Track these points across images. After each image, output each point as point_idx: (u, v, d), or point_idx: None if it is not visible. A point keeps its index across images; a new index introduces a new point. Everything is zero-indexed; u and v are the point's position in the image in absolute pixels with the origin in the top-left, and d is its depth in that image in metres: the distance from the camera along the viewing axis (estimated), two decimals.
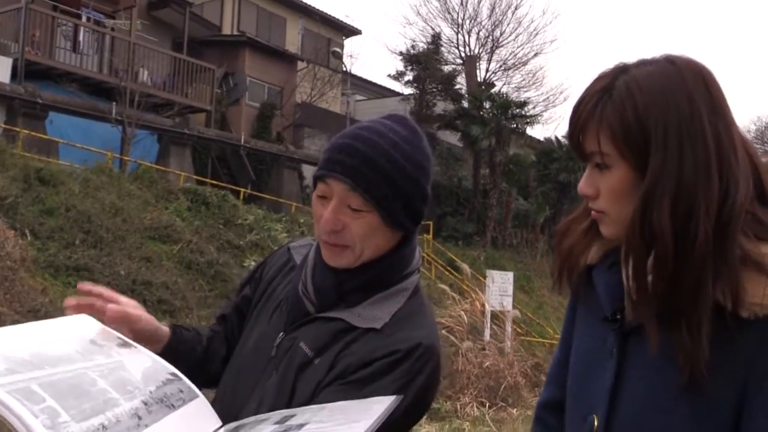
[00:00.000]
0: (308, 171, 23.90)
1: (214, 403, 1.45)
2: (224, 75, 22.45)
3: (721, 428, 1.25)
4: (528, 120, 25.39)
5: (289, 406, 1.40)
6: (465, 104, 25.39)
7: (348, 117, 24.14)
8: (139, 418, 1.13)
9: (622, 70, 1.29)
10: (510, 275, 14.52)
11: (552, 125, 77.08)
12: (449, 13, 28.52)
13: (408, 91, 25.95)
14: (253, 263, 13.53)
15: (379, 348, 1.39)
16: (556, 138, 27.01)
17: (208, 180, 18.86)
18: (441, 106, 25.59)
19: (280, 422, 1.19)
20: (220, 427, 1.30)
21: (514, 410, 9.40)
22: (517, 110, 24.69)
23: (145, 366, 1.30)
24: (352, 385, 1.37)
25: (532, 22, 36.64)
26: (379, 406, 1.18)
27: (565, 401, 1.54)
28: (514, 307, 14.47)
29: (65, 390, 1.08)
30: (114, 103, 17.59)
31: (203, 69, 20.87)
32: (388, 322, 1.43)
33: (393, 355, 1.38)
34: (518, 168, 26.05)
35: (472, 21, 28.68)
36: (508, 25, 28.98)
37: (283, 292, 1.57)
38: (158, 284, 11.20)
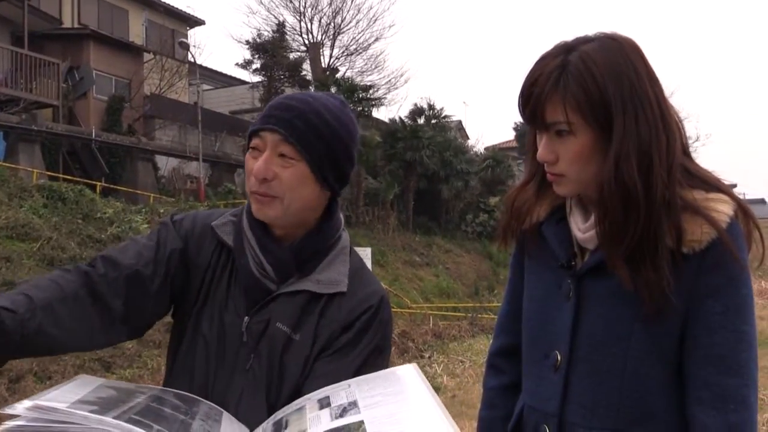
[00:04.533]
0: (162, 161, 23.46)
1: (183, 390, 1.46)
2: (69, 69, 21.62)
3: (671, 347, 1.41)
4: (373, 102, 25.60)
5: (280, 386, 1.43)
6: (312, 90, 25.45)
7: (198, 107, 24.00)
8: (208, 431, 1.24)
9: (568, 48, 1.39)
10: (368, 251, 14.97)
11: (395, 106, 77.81)
12: (291, 1, 28.59)
13: (256, 79, 25.98)
14: None
15: (353, 309, 1.46)
16: (400, 118, 27.42)
17: (60, 175, 18.29)
18: (289, 93, 25.76)
19: (325, 406, 1.21)
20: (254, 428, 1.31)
21: None
22: (363, 94, 24.92)
23: (172, 393, 1.37)
24: (341, 351, 1.43)
25: (371, 8, 37.54)
26: (408, 372, 1.27)
27: (516, 347, 1.66)
28: None
29: (152, 418, 1.16)
30: None
31: (47, 63, 20.00)
32: (347, 282, 1.49)
33: (368, 312, 1.46)
34: (366, 149, 25.64)
35: (314, 9, 28.92)
36: (348, 11, 29.47)
37: (225, 276, 1.53)
38: (21, 283, 10.57)
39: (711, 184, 1.42)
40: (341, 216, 1.60)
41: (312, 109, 1.44)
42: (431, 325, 15.22)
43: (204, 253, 1.55)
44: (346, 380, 1.29)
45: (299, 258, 1.49)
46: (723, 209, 1.36)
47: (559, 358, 1.49)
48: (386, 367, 1.47)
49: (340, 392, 1.23)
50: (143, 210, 17.06)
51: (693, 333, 1.39)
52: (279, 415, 1.26)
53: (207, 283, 1.53)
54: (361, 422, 1.10)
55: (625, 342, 1.41)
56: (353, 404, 1.17)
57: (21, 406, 1.07)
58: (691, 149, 1.48)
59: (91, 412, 1.09)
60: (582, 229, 1.48)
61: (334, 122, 1.46)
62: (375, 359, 1.46)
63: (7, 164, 16.92)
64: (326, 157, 1.46)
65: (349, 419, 1.12)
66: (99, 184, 18.95)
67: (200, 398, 1.38)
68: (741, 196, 1.44)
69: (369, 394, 1.20)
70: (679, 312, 1.38)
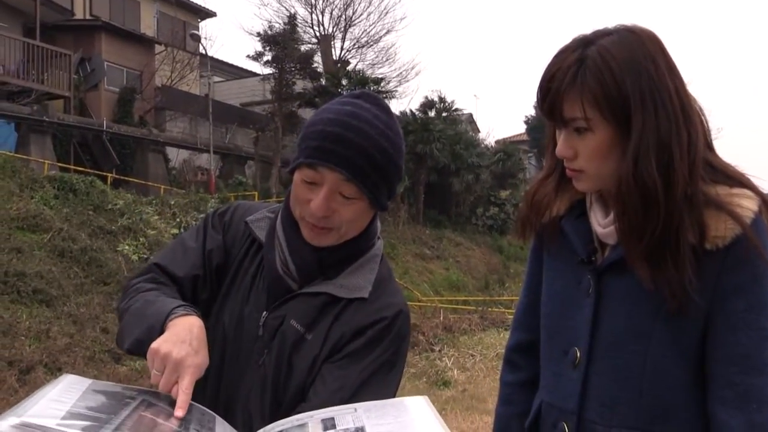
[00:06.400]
0: (173, 153, 23.62)
1: (199, 384, 1.41)
2: (80, 60, 21.73)
3: (693, 345, 1.38)
4: (384, 95, 25.36)
5: (287, 383, 1.43)
6: (323, 82, 25.51)
7: (209, 99, 24.04)
8: None
9: (586, 42, 1.36)
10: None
11: (406, 99, 77.84)
12: None
13: (267, 71, 25.97)
14: (127, 248, 13.29)
15: (367, 316, 1.43)
16: (411, 111, 27.49)
17: (71, 167, 18.40)
18: (300, 85, 25.65)
19: (330, 427, 1.16)
20: None
21: None
22: (374, 86, 24.88)
23: (162, 397, 1.28)
24: (350, 357, 1.41)
25: (382, 1, 37.41)
26: (418, 403, 1.20)
27: (534, 343, 1.64)
28: None
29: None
30: None
31: (58, 54, 20.10)
32: (371, 290, 1.47)
33: (381, 323, 1.43)
34: None
35: (325, 1, 28.85)
36: (359, 4, 29.45)
37: (251, 270, 1.53)
38: (32, 274, 10.77)
39: (734, 178, 1.39)
40: (378, 224, 1.56)
41: (371, 141, 1.37)
42: (441, 318, 15.21)
43: (237, 245, 1.56)
44: (353, 404, 1.25)
45: (324, 262, 1.47)
46: (747, 205, 1.33)
47: (578, 354, 1.47)
48: (397, 383, 1.47)
49: (346, 416, 1.18)
50: (154, 201, 17.11)
51: (716, 331, 1.36)
52: (277, 427, 1.21)
53: (233, 274, 1.54)
54: None
55: (645, 339, 1.39)
56: (360, 430, 1.12)
57: (6, 424, 1.00)
58: None
59: (84, 429, 1.03)
60: (602, 224, 1.45)
61: (390, 148, 1.40)
62: (385, 374, 1.43)
63: (19, 155, 17.00)
64: (384, 186, 1.43)
65: None
66: (110, 175, 19.05)
67: (192, 402, 1.30)
68: None
69: (377, 422, 1.14)
70: (702, 309, 1.35)
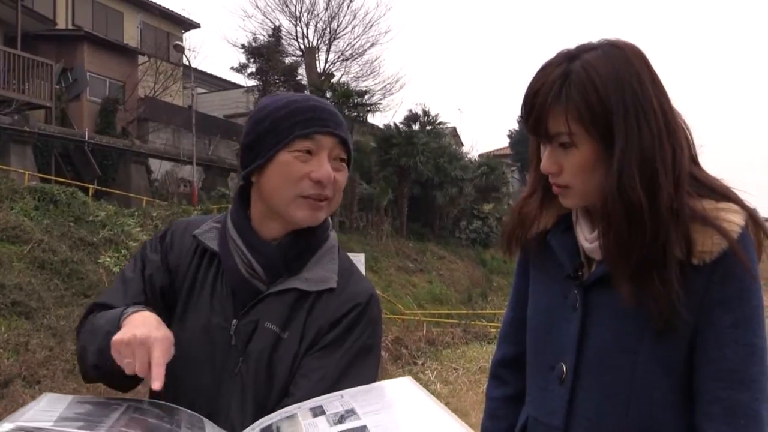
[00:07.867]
0: (155, 165, 23.45)
1: (168, 401, 1.40)
2: (62, 70, 21.57)
3: (680, 361, 1.37)
4: (369, 108, 25.64)
5: (269, 385, 1.41)
6: (307, 94, 25.58)
7: (193, 110, 23.98)
8: None
9: (570, 56, 1.36)
10: (361, 256, 14.86)
11: (390, 112, 78.21)
12: (287, 5, 28.63)
13: (251, 83, 26.00)
14: (108, 260, 13.13)
15: (341, 306, 1.45)
16: (395, 124, 27.38)
17: (52, 177, 18.19)
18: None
19: (319, 414, 1.16)
20: None
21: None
22: (358, 99, 24.87)
23: (147, 403, 1.30)
24: (329, 347, 1.42)
25: (367, 14, 37.73)
26: (404, 383, 1.22)
27: (520, 357, 1.63)
28: None
29: (142, 429, 1.16)
30: None
31: (40, 64, 19.83)
32: (337, 279, 1.48)
33: (356, 309, 1.45)
34: (361, 154, 25.69)
35: (310, 13, 28.99)
36: (344, 17, 29.58)
37: (209, 280, 1.51)
38: (11, 286, 10.61)
39: (720, 193, 1.38)
40: (329, 218, 1.59)
41: (337, 113, 1.49)
42: (424, 331, 15.18)
43: (184, 261, 1.54)
44: (338, 391, 1.24)
45: (287, 256, 1.47)
46: (734, 219, 1.33)
47: (564, 370, 1.46)
48: (376, 367, 1.48)
49: (333, 402, 1.19)
50: (136, 213, 16.95)
51: (703, 346, 1.36)
52: (267, 421, 1.19)
53: (188, 290, 1.52)
54: (364, 427, 1.04)
55: (632, 354, 1.38)
56: (351, 411, 1.12)
57: (1, 430, 0.99)
58: None
59: (80, 428, 1.03)
60: (589, 239, 1.44)
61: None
62: (364, 358, 1.44)
63: None
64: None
65: (350, 425, 1.07)
66: (91, 186, 18.86)
67: (176, 406, 1.33)
68: None
69: (366, 403, 1.15)
70: (689, 325, 1.34)
